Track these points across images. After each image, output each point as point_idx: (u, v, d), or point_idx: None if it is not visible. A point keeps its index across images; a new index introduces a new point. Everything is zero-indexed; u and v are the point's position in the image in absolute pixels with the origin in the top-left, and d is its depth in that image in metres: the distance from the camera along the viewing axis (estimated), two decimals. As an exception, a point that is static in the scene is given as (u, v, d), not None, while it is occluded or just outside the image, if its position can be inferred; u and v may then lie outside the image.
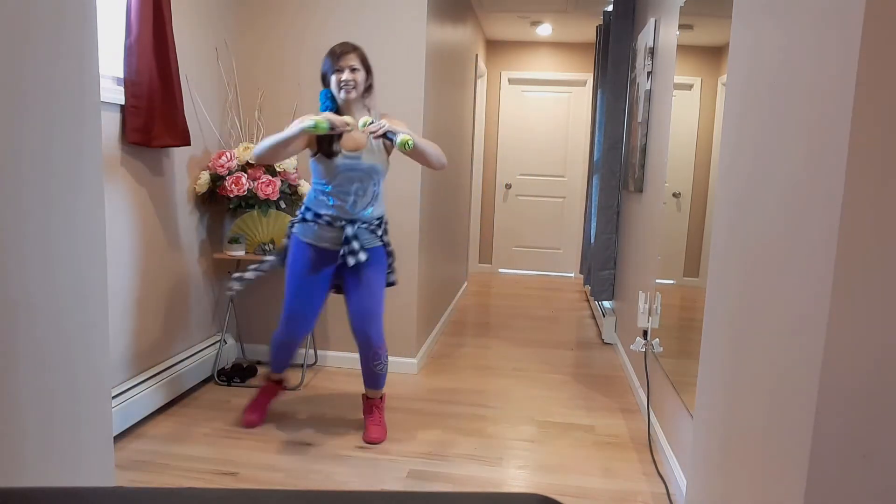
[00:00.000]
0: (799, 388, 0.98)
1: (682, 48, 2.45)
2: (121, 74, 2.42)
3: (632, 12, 3.78)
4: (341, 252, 2.35)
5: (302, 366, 3.28)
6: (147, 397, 2.55)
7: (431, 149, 2.31)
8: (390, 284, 2.53)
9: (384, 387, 2.58)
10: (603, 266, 4.06)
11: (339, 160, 2.30)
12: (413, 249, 3.23)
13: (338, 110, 2.33)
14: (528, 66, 6.28)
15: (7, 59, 1.04)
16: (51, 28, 1.12)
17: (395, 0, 3.10)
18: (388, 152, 2.41)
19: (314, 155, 2.34)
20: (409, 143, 2.16)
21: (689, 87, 2.32)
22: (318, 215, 2.38)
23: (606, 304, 4.35)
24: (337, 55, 2.27)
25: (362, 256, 2.34)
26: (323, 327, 3.37)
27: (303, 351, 3.34)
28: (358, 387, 3.08)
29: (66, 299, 1.20)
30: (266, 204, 3.01)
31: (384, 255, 2.46)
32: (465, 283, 5.59)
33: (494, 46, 6.29)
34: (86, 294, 1.25)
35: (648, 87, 3.10)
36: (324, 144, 2.30)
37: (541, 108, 6.32)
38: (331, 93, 2.33)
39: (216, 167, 2.93)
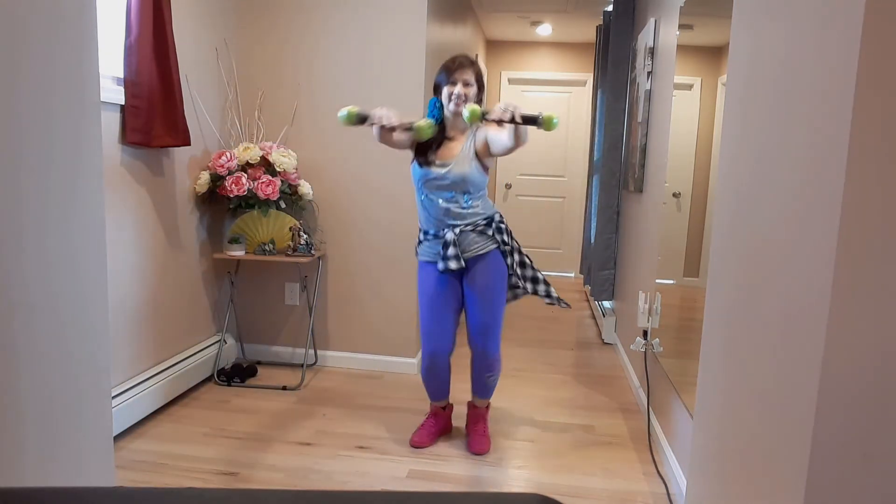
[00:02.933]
0: (799, 388, 0.98)
1: (682, 48, 2.45)
2: (121, 74, 2.42)
3: (632, 12, 3.78)
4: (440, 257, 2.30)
5: (302, 366, 3.28)
6: (147, 397, 2.55)
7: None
8: (517, 289, 2.42)
9: (491, 397, 2.54)
10: (603, 266, 4.06)
11: (427, 169, 2.27)
12: (413, 249, 3.23)
13: (443, 121, 2.30)
14: (528, 65, 6.28)
15: (6, 59, 1.04)
16: (50, 28, 1.12)
17: (395, 0, 3.10)
18: (482, 159, 2.28)
19: (412, 160, 2.32)
20: (554, 120, 1.89)
21: (689, 87, 2.32)
22: (426, 233, 2.36)
23: (606, 304, 4.35)
24: (453, 69, 2.23)
25: (452, 265, 2.25)
26: (323, 327, 3.37)
27: (303, 351, 3.34)
28: (358, 387, 3.08)
29: (65, 299, 1.20)
30: (266, 204, 3.01)
31: (501, 259, 2.33)
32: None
33: (494, 46, 6.28)
34: (86, 294, 1.25)
35: (648, 87, 3.10)
36: (419, 152, 2.28)
37: (541, 109, 6.31)
38: (439, 102, 2.29)
39: (216, 167, 2.93)
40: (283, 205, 3.08)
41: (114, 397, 2.39)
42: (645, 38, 3.21)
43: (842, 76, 0.88)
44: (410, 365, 3.31)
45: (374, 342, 3.33)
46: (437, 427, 2.55)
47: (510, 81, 6.31)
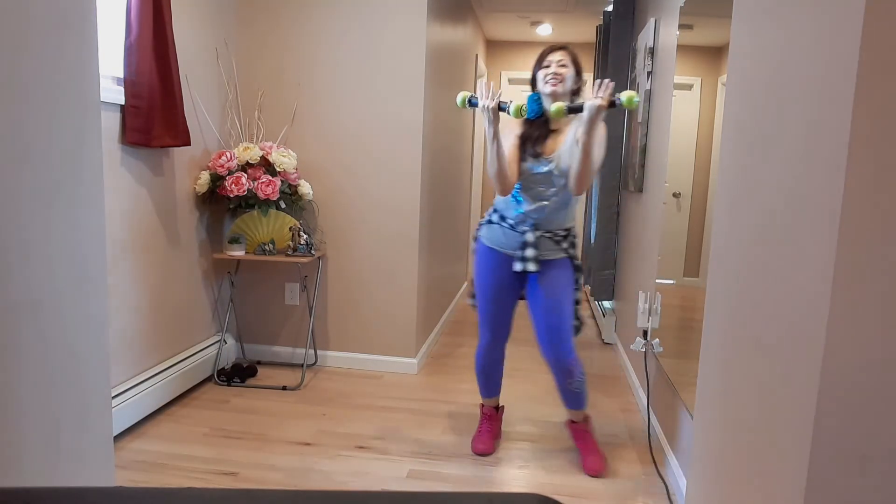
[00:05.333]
0: (799, 388, 0.98)
1: (682, 48, 2.45)
2: (121, 74, 2.42)
3: (632, 12, 3.78)
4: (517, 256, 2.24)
5: (302, 366, 3.28)
6: (147, 397, 2.55)
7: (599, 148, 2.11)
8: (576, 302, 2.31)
9: (587, 406, 2.39)
10: (603, 266, 4.06)
11: (533, 164, 2.17)
12: (413, 249, 3.23)
13: (544, 113, 2.19)
14: (529, 65, 6.24)
15: (7, 59, 1.04)
16: (51, 28, 1.12)
17: (395, 0, 3.10)
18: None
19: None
20: (634, 99, 1.93)
21: (689, 87, 2.32)
22: (503, 217, 2.27)
23: (606, 304, 4.35)
24: (546, 52, 2.18)
25: (531, 266, 2.19)
26: (323, 327, 3.37)
27: (303, 351, 3.34)
28: (358, 386, 3.08)
29: (66, 299, 1.20)
30: (266, 204, 3.01)
31: (570, 266, 2.26)
32: (465, 283, 5.59)
33: (494, 46, 6.28)
34: (86, 294, 1.25)
35: (648, 87, 3.09)
36: (527, 145, 2.18)
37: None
38: (538, 95, 2.19)
39: (216, 167, 2.93)
40: (283, 205, 3.08)
41: (114, 397, 2.39)
42: (645, 38, 3.21)
43: (841, 76, 0.88)
44: (410, 365, 3.31)
45: (374, 342, 3.33)
46: (493, 430, 2.50)
47: (510, 81, 6.31)
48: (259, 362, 3.37)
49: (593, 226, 4.27)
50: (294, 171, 3.07)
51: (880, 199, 0.86)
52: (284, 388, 3.02)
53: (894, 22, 0.83)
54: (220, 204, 3.14)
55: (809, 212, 0.97)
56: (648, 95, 3.10)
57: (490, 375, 2.45)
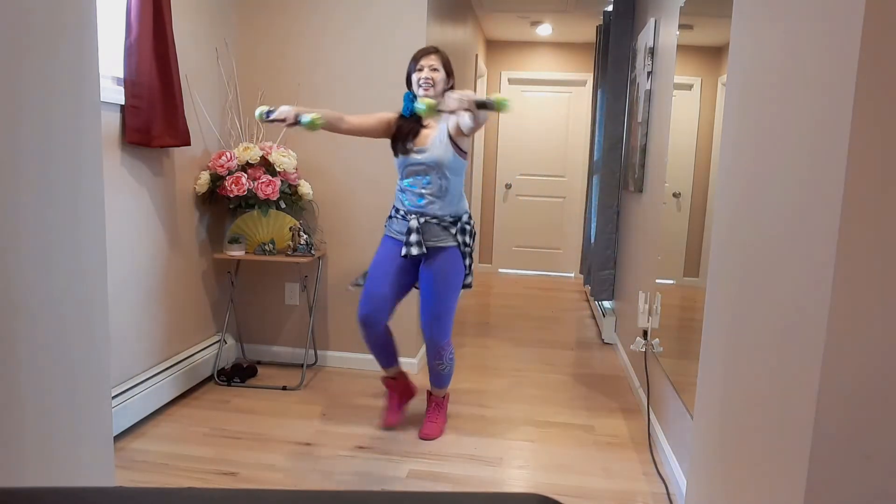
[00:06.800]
0: (799, 387, 0.98)
1: (682, 48, 2.45)
2: (121, 74, 2.42)
3: (632, 12, 3.78)
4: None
5: (302, 366, 3.28)
6: (147, 397, 2.55)
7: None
8: (466, 286, 2.52)
9: (448, 386, 2.64)
10: (603, 266, 4.06)
11: (406, 157, 2.37)
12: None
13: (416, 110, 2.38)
14: (528, 66, 6.28)
15: (6, 59, 1.04)
16: (50, 28, 1.12)
17: (395, 0, 3.10)
18: (458, 146, 2.35)
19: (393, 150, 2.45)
20: (506, 102, 1.98)
21: (689, 87, 2.32)
22: (396, 210, 2.48)
23: (606, 304, 4.35)
24: (419, 56, 2.36)
25: (413, 251, 2.35)
26: (323, 327, 3.37)
27: (303, 351, 3.34)
28: (358, 386, 3.08)
29: (66, 300, 1.20)
30: (266, 204, 3.01)
31: (459, 256, 2.43)
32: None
33: (494, 46, 6.28)
34: (86, 294, 1.25)
35: (648, 87, 3.09)
36: (398, 142, 2.39)
37: (541, 108, 6.32)
38: (412, 94, 2.39)
39: (216, 167, 2.93)
40: (283, 205, 3.08)
41: (114, 397, 2.39)
42: (645, 38, 3.21)
43: (841, 75, 0.88)
44: (410, 365, 3.30)
45: (374, 342, 3.33)
46: (398, 400, 2.69)
47: (510, 81, 6.31)
48: (259, 362, 3.37)
49: (593, 226, 4.27)
50: (294, 171, 3.07)
51: (880, 198, 0.86)
52: (284, 388, 3.02)
53: (894, 21, 0.83)
54: (220, 204, 3.14)
55: (810, 211, 0.97)
56: (648, 95, 3.10)
57: (378, 349, 2.53)
